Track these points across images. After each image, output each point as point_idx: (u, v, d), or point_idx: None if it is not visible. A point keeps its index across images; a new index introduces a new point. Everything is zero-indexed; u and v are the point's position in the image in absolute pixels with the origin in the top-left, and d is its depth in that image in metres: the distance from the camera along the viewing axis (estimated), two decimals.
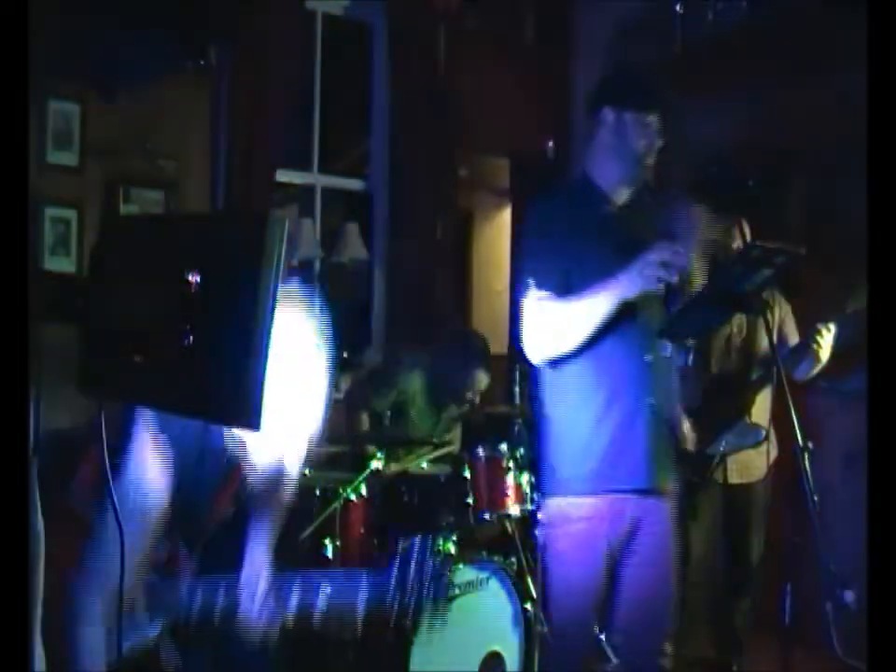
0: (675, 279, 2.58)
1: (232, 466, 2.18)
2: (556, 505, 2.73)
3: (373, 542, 3.69)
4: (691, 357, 3.56)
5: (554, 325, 2.63)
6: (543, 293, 2.64)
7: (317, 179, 5.45)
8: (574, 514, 2.68)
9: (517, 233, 5.06)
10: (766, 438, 3.71)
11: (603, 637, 3.93)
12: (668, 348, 2.77)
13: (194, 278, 1.64)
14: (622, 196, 2.79)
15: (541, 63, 5.87)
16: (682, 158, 4.18)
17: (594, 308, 2.59)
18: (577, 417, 2.69)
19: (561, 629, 2.86)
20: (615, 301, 2.57)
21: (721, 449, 3.72)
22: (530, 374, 2.85)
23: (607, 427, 2.67)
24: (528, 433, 3.85)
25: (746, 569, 3.92)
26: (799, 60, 4.45)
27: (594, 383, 2.67)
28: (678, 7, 5.14)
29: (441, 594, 2.18)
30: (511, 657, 3.56)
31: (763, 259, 2.66)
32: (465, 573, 3.47)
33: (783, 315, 3.87)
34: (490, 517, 3.71)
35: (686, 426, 3.71)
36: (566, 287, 2.64)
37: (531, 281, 2.66)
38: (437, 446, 4.10)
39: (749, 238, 3.75)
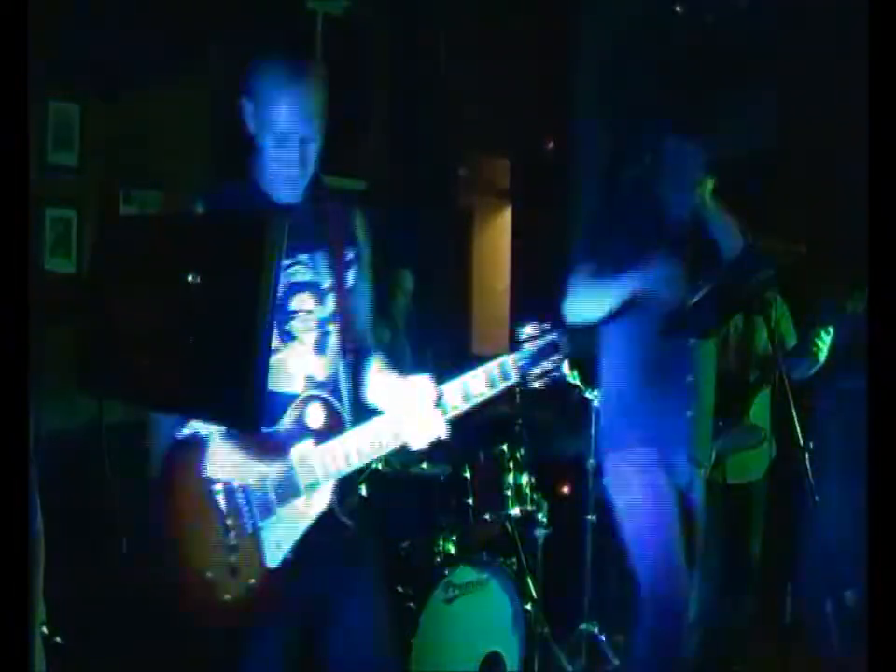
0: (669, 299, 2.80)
1: None
2: (615, 459, 2.99)
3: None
4: None
5: (592, 296, 2.89)
6: (590, 265, 2.90)
7: None
8: (630, 467, 2.94)
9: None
10: (766, 438, 3.71)
11: (603, 637, 3.95)
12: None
13: (194, 278, 1.64)
14: (681, 210, 2.99)
15: (542, 64, 5.87)
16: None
17: (623, 288, 2.83)
18: (626, 388, 2.98)
19: (651, 576, 2.92)
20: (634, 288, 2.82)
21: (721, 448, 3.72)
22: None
23: (652, 397, 2.92)
24: (528, 433, 3.85)
25: (746, 569, 3.92)
26: (799, 57, 4.45)
27: (640, 358, 2.94)
28: (677, 8, 5.14)
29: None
30: (511, 658, 3.55)
31: (766, 258, 2.67)
32: (465, 573, 3.47)
33: (778, 316, 3.87)
34: (490, 517, 3.71)
35: None
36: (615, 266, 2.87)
37: (584, 250, 2.95)
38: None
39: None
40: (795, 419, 2.65)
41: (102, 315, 1.73)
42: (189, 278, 1.63)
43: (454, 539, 3.65)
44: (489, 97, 5.51)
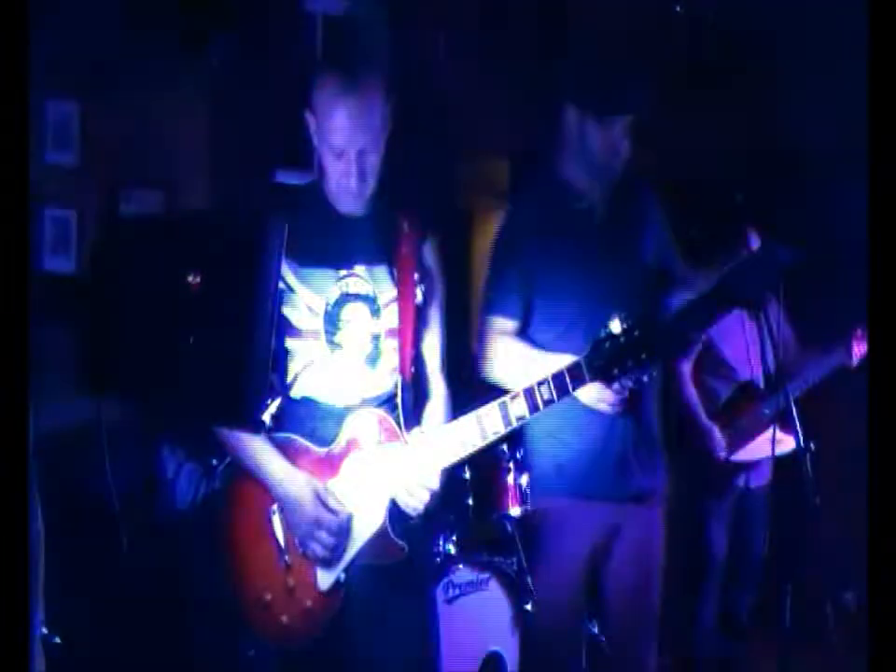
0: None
1: None
2: (542, 504, 2.83)
3: None
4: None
5: (511, 359, 2.65)
6: (505, 321, 2.67)
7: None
8: (553, 518, 2.78)
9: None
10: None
11: (603, 638, 3.94)
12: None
13: (194, 278, 1.64)
14: (594, 193, 2.74)
15: (541, 63, 5.86)
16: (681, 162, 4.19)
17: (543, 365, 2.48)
18: (557, 426, 2.75)
19: (548, 622, 2.89)
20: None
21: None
22: None
23: (585, 436, 2.72)
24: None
25: (749, 569, 3.92)
26: (799, 60, 4.46)
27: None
28: (677, 9, 5.14)
29: None
30: (511, 658, 3.55)
31: (768, 262, 2.67)
32: (465, 573, 3.47)
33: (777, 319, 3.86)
34: (490, 517, 3.71)
35: (717, 433, 3.71)
36: (526, 313, 2.67)
37: (493, 308, 2.70)
38: None
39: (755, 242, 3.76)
40: (796, 419, 2.65)
41: (101, 315, 1.73)
42: (190, 278, 1.64)
43: (454, 539, 3.65)
44: (489, 97, 5.50)
